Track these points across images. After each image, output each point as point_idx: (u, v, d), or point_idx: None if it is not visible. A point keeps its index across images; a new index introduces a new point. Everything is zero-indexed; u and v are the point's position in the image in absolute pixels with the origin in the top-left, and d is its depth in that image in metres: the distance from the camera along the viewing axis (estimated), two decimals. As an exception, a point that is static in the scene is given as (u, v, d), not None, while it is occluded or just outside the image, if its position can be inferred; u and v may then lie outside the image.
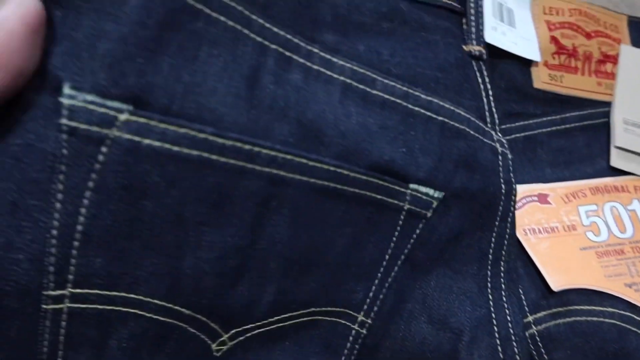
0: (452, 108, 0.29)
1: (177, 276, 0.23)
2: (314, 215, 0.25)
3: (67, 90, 0.19)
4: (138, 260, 0.22)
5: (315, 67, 0.25)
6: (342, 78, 0.26)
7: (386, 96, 0.27)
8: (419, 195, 0.28)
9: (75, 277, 0.21)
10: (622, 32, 0.42)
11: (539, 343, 0.32)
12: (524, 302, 0.33)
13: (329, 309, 0.28)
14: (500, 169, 0.32)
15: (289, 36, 0.25)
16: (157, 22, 0.21)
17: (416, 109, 0.28)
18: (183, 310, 0.23)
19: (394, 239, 0.28)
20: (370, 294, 0.28)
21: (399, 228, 0.28)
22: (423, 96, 0.28)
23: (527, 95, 0.37)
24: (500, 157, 0.32)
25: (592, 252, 0.34)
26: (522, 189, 0.35)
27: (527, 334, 0.32)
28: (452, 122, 0.29)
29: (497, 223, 0.32)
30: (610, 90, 0.40)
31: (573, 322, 0.32)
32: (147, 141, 0.20)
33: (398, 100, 0.28)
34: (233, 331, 0.25)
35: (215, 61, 0.22)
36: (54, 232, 0.20)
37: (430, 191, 0.28)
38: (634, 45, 0.41)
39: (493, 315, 0.30)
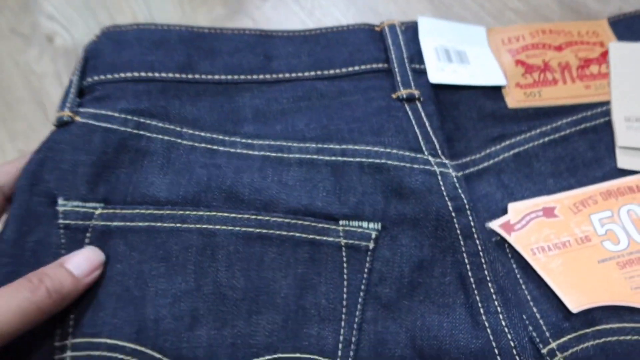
0: (367, 148, 0.33)
1: (143, 321, 0.29)
2: (248, 258, 0.30)
3: (61, 201, 0.31)
4: (114, 311, 0.29)
5: (238, 150, 0.33)
6: (261, 153, 0.33)
7: (301, 156, 0.33)
8: (352, 229, 0.31)
9: (73, 330, 0.29)
10: (604, 34, 0.40)
11: (568, 372, 0.29)
12: (544, 328, 0.30)
13: (298, 355, 0.29)
14: (443, 188, 0.32)
15: (214, 135, 0.34)
16: (114, 148, 0.32)
17: (331, 158, 0.33)
18: (154, 354, 0.28)
19: (345, 275, 0.30)
20: (341, 337, 0.29)
21: (345, 264, 0.31)
22: (337, 147, 0.34)
23: (504, 117, 0.37)
24: (439, 177, 0.32)
25: (613, 263, 0.31)
26: (523, 206, 0.33)
27: (552, 362, 0.29)
28: (369, 160, 0.33)
29: (462, 242, 0.30)
30: (602, 90, 0.38)
31: (603, 344, 0.29)
32: (114, 223, 0.31)
33: (313, 157, 0.33)
34: None
35: (154, 165, 0.33)
36: None
37: (364, 224, 0.31)
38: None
39: (493, 344, 0.28)
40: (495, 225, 0.33)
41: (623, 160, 0.34)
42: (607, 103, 0.37)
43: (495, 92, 0.38)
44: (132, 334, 0.29)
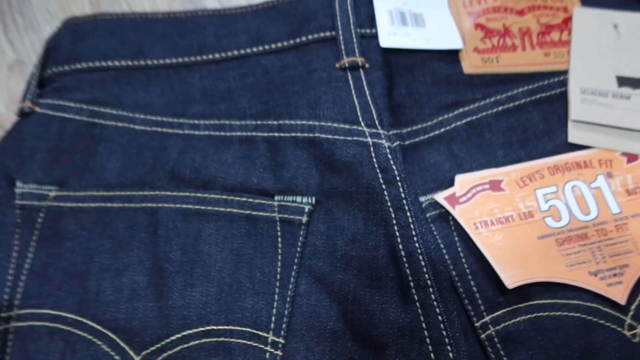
0: (302, 122, 0.33)
1: (85, 293, 0.30)
2: (186, 233, 0.31)
3: (18, 183, 0.33)
4: (60, 284, 0.31)
5: (185, 132, 0.35)
6: (205, 133, 0.34)
7: (241, 133, 0.34)
8: (287, 204, 0.32)
9: (20, 302, 0.30)
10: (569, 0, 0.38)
11: (498, 345, 0.29)
12: (479, 302, 0.30)
13: (231, 327, 0.29)
14: (374, 160, 0.31)
15: (164, 118, 0.35)
16: (70, 136, 0.35)
17: (269, 134, 0.33)
18: (93, 324, 0.30)
19: (279, 249, 0.31)
20: (274, 310, 0.29)
21: (279, 238, 0.31)
22: (274, 122, 0.34)
23: (459, 83, 0.35)
24: (372, 149, 0.31)
25: (552, 240, 0.31)
26: (470, 178, 0.32)
27: (484, 335, 0.29)
28: (303, 135, 0.33)
29: (392, 214, 0.30)
30: (562, 58, 0.36)
31: (534, 319, 0.30)
32: (67, 204, 0.33)
33: (252, 134, 0.34)
34: (143, 353, 0.29)
35: (109, 151, 0.34)
36: (11, 271, 0.31)
37: (298, 198, 0.32)
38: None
39: (422, 318, 0.28)
40: (440, 197, 0.32)
41: (574, 135, 0.34)
42: (565, 72, 0.35)
43: (451, 56, 0.36)
44: (75, 305, 0.30)
